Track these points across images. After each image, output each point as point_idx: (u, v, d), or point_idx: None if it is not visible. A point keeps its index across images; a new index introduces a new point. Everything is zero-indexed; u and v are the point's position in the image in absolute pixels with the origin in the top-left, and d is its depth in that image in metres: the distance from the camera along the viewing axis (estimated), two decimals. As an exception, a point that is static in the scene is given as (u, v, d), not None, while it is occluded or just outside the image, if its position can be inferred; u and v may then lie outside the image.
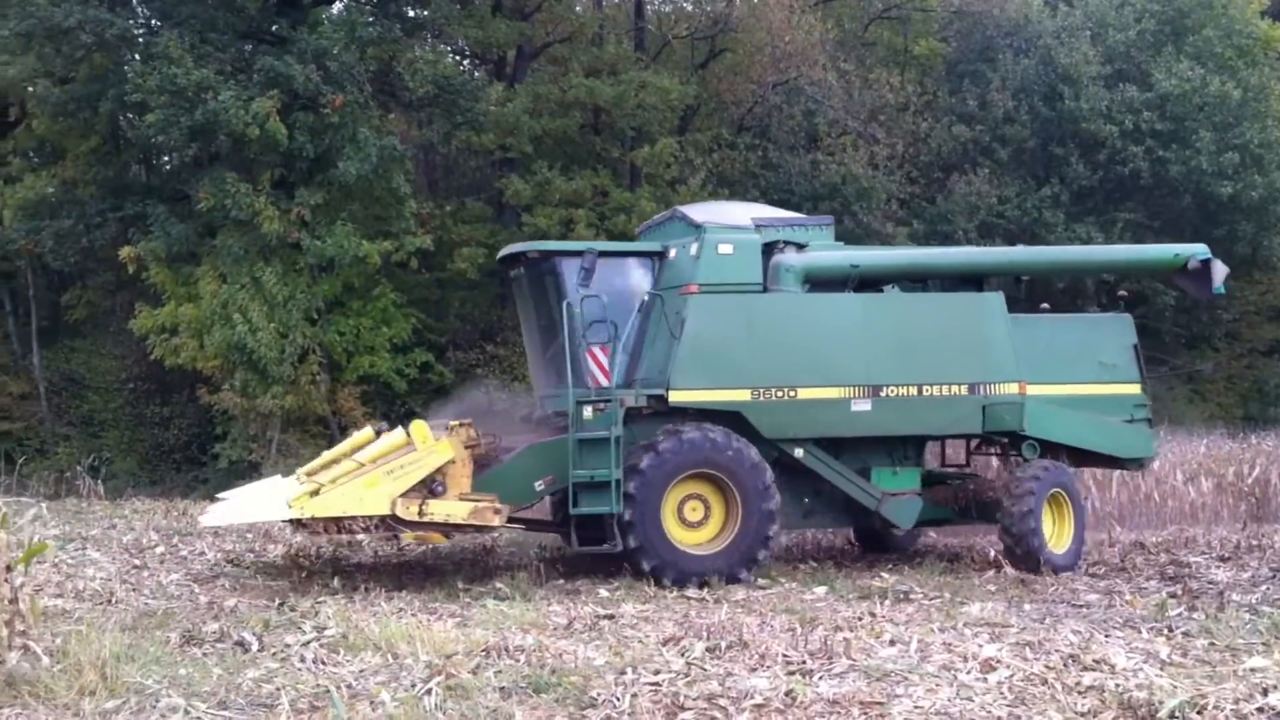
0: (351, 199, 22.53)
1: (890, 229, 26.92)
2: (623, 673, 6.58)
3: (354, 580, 10.88)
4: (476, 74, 28.90)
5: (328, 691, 6.26)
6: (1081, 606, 9.66)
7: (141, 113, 21.38)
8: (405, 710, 5.89)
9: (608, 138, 28.02)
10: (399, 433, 11.02)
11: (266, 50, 22.02)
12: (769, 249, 12.06)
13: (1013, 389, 11.92)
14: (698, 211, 12.66)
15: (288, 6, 23.66)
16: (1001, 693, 6.18)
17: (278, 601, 9.54)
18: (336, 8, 25.63)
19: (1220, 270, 12.50)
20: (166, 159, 26.68)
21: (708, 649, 7.22)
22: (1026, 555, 11.68)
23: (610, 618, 8.77)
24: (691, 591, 10.36)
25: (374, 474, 10.53)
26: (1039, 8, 30.72)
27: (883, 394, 11.64)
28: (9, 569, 6.98)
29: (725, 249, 11.73)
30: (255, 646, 7.62)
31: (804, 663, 6.82)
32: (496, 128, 24.86)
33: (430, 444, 10.78)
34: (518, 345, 26.15)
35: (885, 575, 11.25)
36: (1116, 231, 28.51)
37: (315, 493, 10.37)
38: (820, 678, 6.47)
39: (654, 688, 6.30)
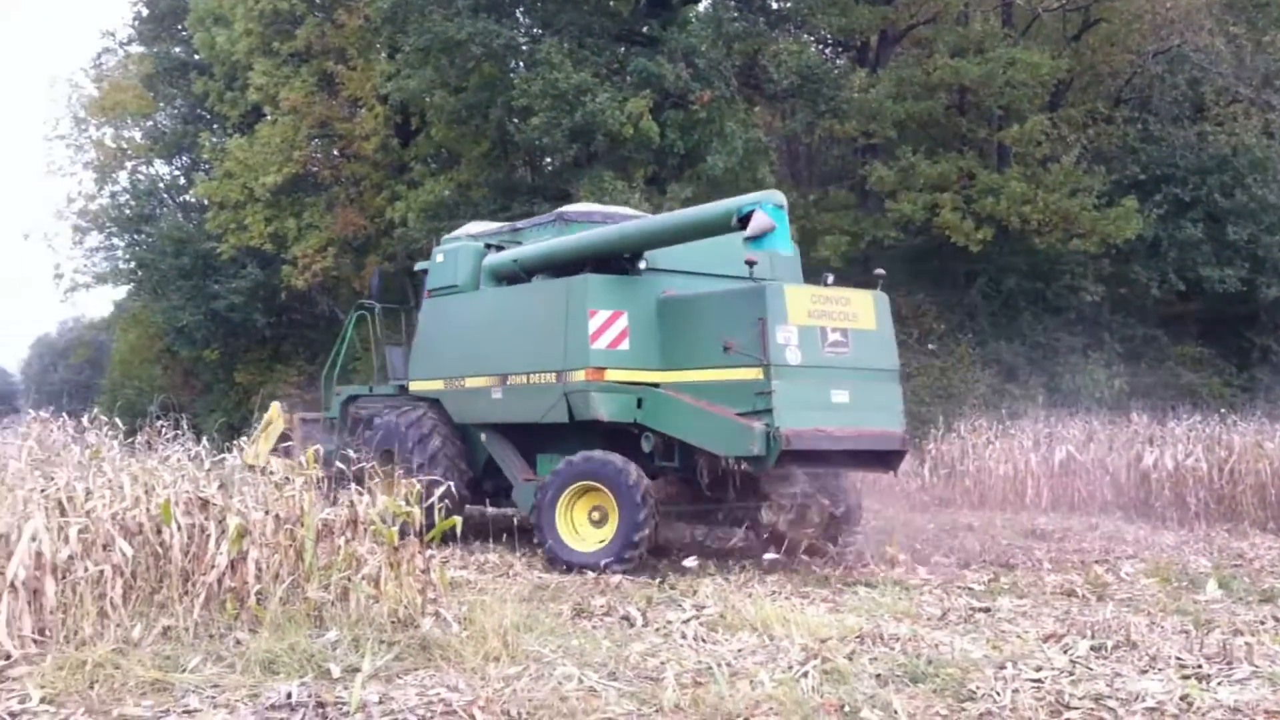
0: (719, 192, 23.06)
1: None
2: (1002, 667, 6.49)
3: (727, 562, 11.26)
4: (839, 61, 28.87)
5: (709, 668, 6.49)
6: None
7: (526, 117, 22.77)
8: (784, 691, 5.99)
9: (974, 118, 27.28)
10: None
11: (639, 51, 22.94)
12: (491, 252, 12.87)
13: (580, 376, 11.15)
14: (473, 226, 14.48)
15: (658, 7, 24.55)
16: None
17: (658, 580, 10.01)
18: (703, 5, 26.33)
19: (759, 222, 10.22)
20: (549, 160, 28.28)
21: (1092, 648, 6.98)
22: (545, 549, 11.14)
23: (986, 611, 8.63)
24: (1077, 587, 10.01)
25: (264, 436, 14.08)
26: None
27: (509, 382, 12.05)
28: (423, 542, 7.74)
29: (439, 258, 13.24)
30: (640, 622, 8.02)
31: (1199, 667, 6.49)
32: (859, 114, 24.75)
33: (276, 418, 14.20)
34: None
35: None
36: None
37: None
38: (1219, 683, 6.15)
39: (1035, 684, 6.17)
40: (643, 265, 11.55)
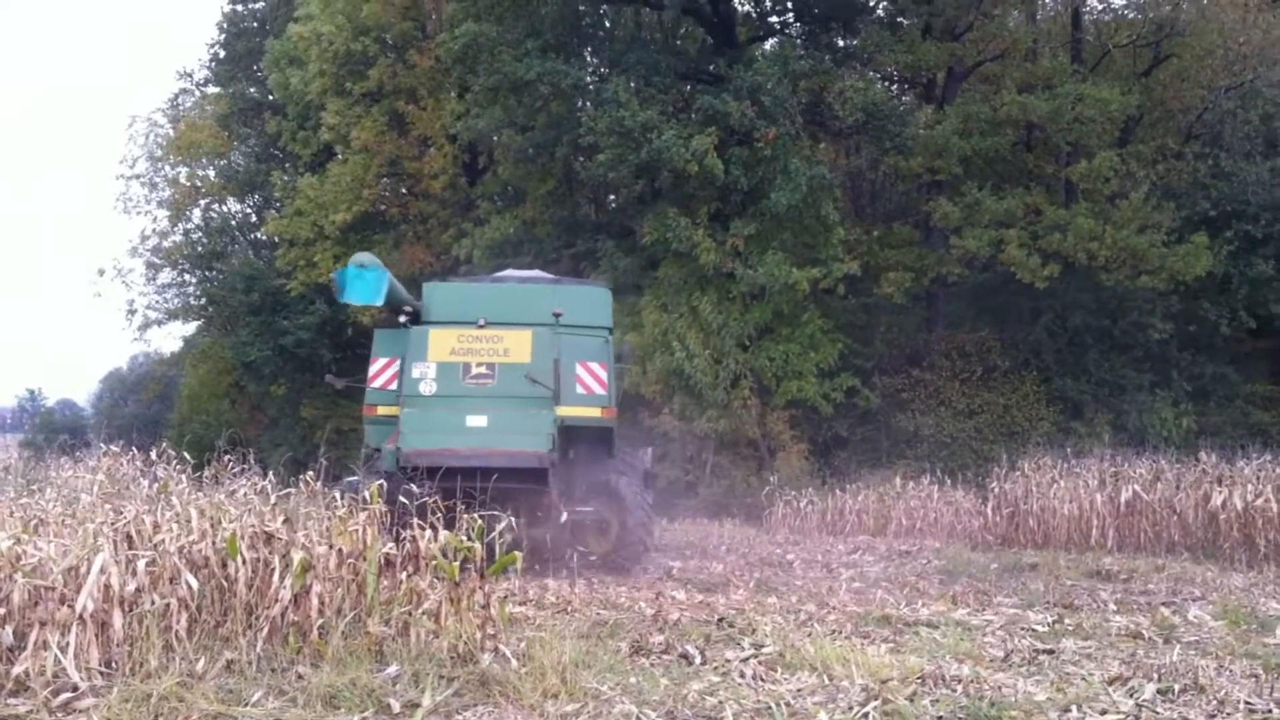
0: (782, 228, 23.10)
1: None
2: (1067, 710, 6.38)
3: (787, 599, 11.17)
4: (905, 98, 28.83)
5: (768, 708, 6.43)
6: None
7: (592, 154, 22.99)
8: (844, 732, 5.97)
9: (1041, 154, 27.12)
10: None
11: (704, 89, 23.07)
12: None
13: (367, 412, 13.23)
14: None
15: (725, 46, 24.69)
16: None
17: (716, 617, 9.95)
18: (770, 44, 26.42)
19: (335, 280, 12.42)
20: (613, 197, 28.51)
21: (1159, 691, 6.83)
22: None
23: (1050, 652, 8.48)
24: (1142, 629, 9.83)
25: None
26: None
27: None
28: (482, 578, 7.77)
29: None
30: (698, 660, 7.93)
31: (1270, 712, 6.33)
32: (925, 150, 24.67)
33: None
34: (945, 370, 25.86)
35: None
36: None
37: None
38: (1288, 730, 6.01)
39: (1100, 728, 6.08)
40: (402, 320, 13.21)
